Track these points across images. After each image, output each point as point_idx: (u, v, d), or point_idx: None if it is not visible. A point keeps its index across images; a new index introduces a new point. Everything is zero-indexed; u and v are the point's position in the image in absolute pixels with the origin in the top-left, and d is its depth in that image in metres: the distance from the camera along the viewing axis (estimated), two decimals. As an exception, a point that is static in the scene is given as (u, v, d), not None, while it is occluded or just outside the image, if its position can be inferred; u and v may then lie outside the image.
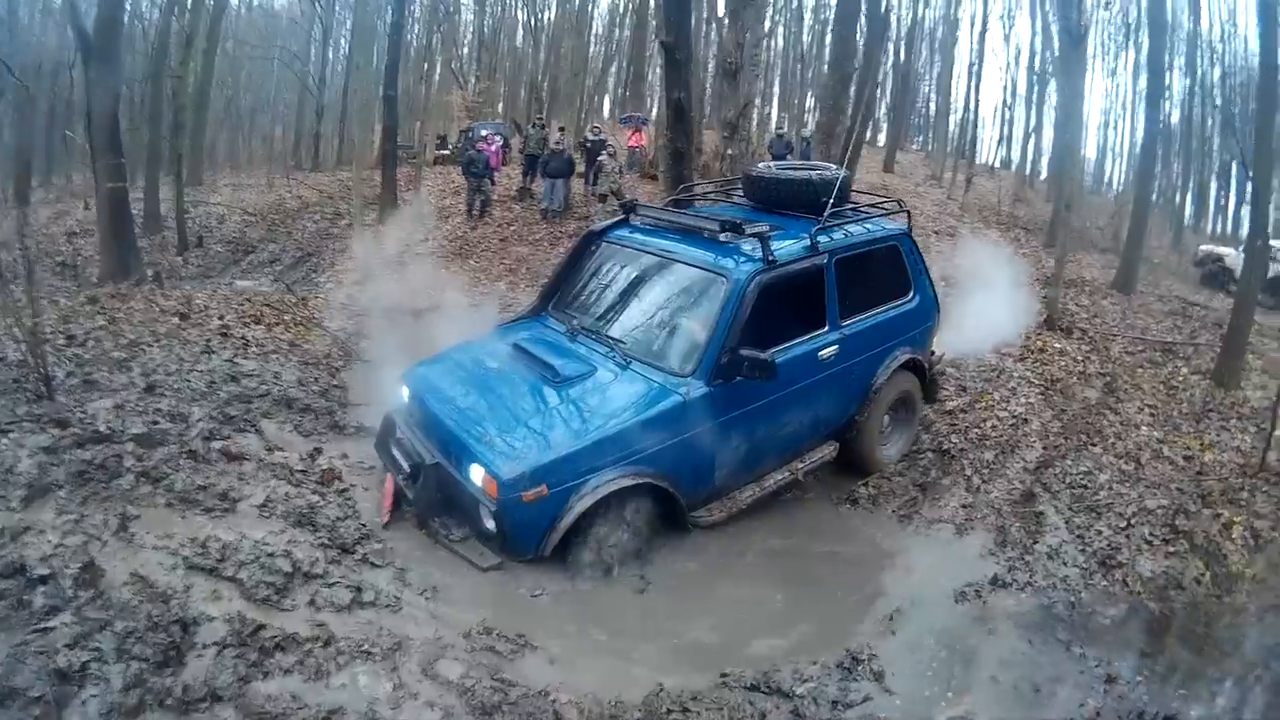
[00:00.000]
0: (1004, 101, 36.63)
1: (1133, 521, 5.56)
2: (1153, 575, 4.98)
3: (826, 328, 5.19)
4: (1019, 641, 4.22)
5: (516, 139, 20.73)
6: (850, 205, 5.87)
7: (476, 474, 4.17)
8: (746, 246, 4.87)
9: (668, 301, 4.96)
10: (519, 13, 35.00)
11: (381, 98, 16.51)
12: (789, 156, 17.49)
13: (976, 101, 35.69)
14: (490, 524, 4.15)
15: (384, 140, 16.43)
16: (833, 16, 15.44)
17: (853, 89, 13.16)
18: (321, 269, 14.72)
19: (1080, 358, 9.37)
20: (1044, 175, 32.11)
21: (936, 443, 6.60)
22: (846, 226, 5.49)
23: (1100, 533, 5.39)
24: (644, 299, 5.09)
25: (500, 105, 33.32)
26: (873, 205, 6.07)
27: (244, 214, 18.94)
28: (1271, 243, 17.69)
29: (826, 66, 18.14)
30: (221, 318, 7.86)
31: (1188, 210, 30.99)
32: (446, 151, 22.59)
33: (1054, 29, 23.09)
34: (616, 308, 5.18)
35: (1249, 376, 9.46)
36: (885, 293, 5.73)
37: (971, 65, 33.78)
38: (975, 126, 31.73)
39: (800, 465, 5.32)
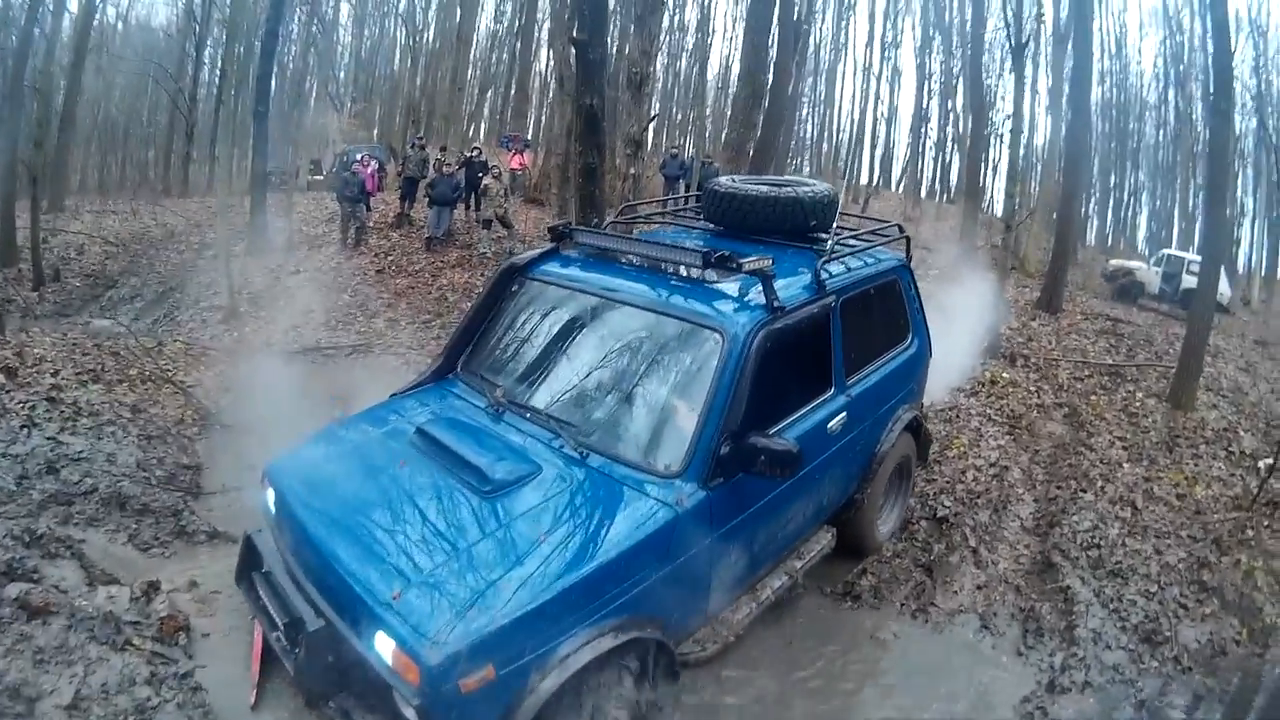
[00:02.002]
0: (884, 118, 37.04)
1: (1161, 583, 5.14)
2: (1198, 645, 4.62)
3: (832, 390, 4.06)
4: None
5: (393, 164, 19.35)
6: (845, 231, 4.74)
7: (385, 646, 2.72)
8: (736, 288, 3.65)
9: (633, 365, 3.58)
10: (398, 33, 33.49)
11: (252, 114, 14.72)
12: (682, 180, 16.65)
13: (863, 123, 35.97)
14: (412, 716, 2.72)
15: (254, 163, 14.65)
16: (744, 27, 14.46)
17: (765, 102, 12.30)
18: (184, 306, 13.02)
19: (1033, 388, 8.97)
20: (934, 194, 32.68)
21: (928, 508, 5.68)
22: (846, 259, 4.37)
23: (1134, 602, 4.92)
24: (596, 361, 3.70)
25: (375, 130, 31.65)
26: (871, 232, 4.96)
27: (106, 244, 16.94)
28: (1186, 256, 18.55)
29: (736, 79, 17.35)
30: (55, 373, 6.29)
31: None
32: (321, 176, 20.89)
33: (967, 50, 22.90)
34: (557, 372, 3.75)
35: (1198, 395, 9.20)
36: (886, 339, 4.70)
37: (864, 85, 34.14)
38: (861, 147, 32.01)
39: (798, 564, 4.14)
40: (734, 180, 4.85)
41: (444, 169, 14.47)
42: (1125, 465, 6.97)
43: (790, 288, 3.76)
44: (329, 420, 4.91)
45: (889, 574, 4.88)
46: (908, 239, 5.04)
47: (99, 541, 4.33)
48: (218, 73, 26.00)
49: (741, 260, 3.45)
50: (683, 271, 3.84)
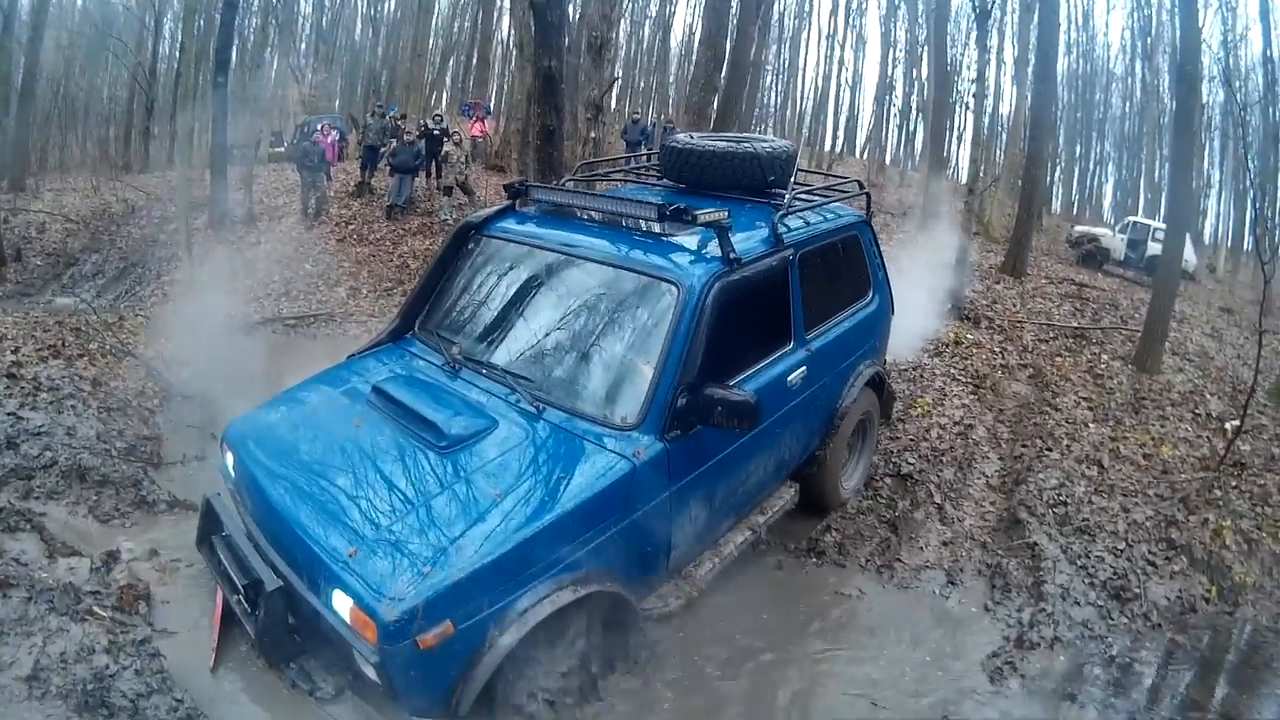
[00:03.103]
0: (848, 85, 37.04)
1: (1129, 540, 5.15)
2: (1168, 602, 4.66)
3: (791, 344, 3.99)
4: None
5: (354, 134, 19.05)
6: (803, 187, 4.64)
7: (342, 605, 2.69)
8: (693, 241, 3.57)
9: (589, 320, 3.50)
10: (359, 2, 32.88)
11: (212, 86, 14.34)
12: (643, 144, 16.52)
13: (826, 90, 35.91)
14: (372, 674, 2.70)
15: (214, 135, 14.31)
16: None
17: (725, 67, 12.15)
18: (146, 281, 12.88)
19: (997, 349, 8.92)
20: (898, 161, 32.69)
21: (892, 465, 5.66)
22: (804, 214, 4.30)
23: (1102, 559, 4.91)
24: (553, 316, 3.62)
25: (337, 101, 31.11)
26: (829, 188, 4.88)
27: (66, 222, 16.65)
28: (1151, 224, 18.72)
29: (698, 42, 17.16)
30: (16, 350, 6.14)
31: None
32: (282, 148, 20.50)
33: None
34: (513, 329, 3.68)
35: (1163, 359, 9.24)
36: (846, 295, 4.63)
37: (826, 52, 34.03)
38: (825, 113, 31.93)
39: (761, 519, 4.09)
40: (691, 137, 4.76)
41: (404, 136, 14.23)
42: (1091, 425, 6.98)
43: (747, 241, 3.69)
44: (287, 384, 4.86)
45: (853, 530, 4.85)
46: (868, 195, 4.97)
47: (59, 514, 4.25)
48: (178, 46, 25.45)
49: (697, 213, 3.37)
50: (640, 226, 3.77)
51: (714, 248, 3.49)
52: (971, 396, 7.34)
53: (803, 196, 4.39)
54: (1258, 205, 17.43)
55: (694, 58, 19.33)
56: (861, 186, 4.98)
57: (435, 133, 14.60)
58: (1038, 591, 4.53)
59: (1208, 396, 8.47)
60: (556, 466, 3.04)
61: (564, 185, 5.02)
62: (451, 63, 33.09)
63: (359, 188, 15.13)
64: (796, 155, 4.57)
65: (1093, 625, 4.36)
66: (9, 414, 4.96)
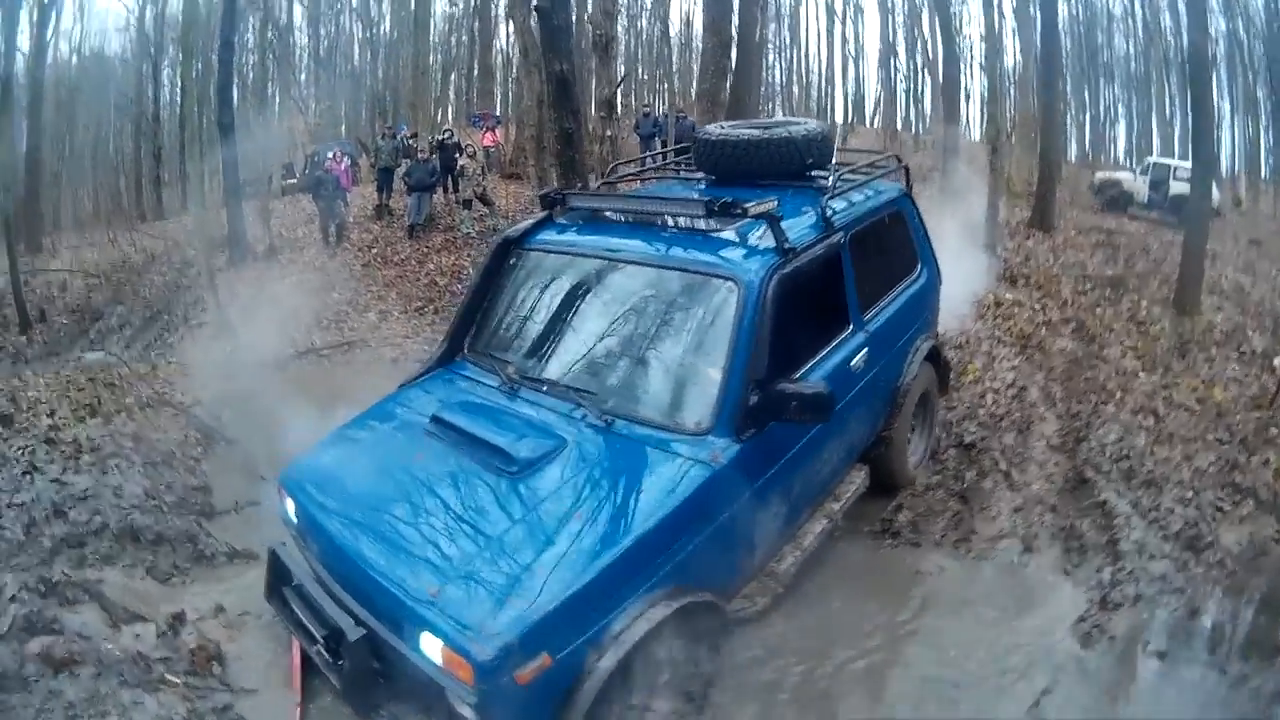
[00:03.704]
0: (851, 55, 36.73)
1: (1195, 489, 4.99)
2: (1240, 547, 4.46)
3: (851, 328, 3.94)
4: (1178, 682, 3.53)
5: (365, 159, 19.09)
6: (843, 167, 4.54)
7: (432, 647, 2.59)
8: (743, 234, 3.51)
9: (647, 326, 3.42)
10: (354, 28, 32.89)
11: (217, 126, 14.43)
12: (657, 137, 16.44)
13: (831, 63, 35.66)
14: (470, 715, 2.61)
15: (225, 175, 14.40)
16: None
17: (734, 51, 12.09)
18: (174, 327, 12.90)
19: (1037, 306, 8.90)
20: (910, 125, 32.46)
21: (953, 436, 5.60)
22: (848, 194, 4.23)
23: (1172, 510, 4.77)
24: (608, 325, 3.56)
25: (343, 127, 31.20)
26: (869, 165, 4.81)
27: (87, 277, 16.76)
28: (1171, 163, 18.46)
29: (701, 33, 17.06)
30: (52, 413, 6.06)
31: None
32: (293, 180, 20.57)
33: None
34: (569, 342, 3.63)
35: (1201, 299, 9.23)
36: (897, 271, 4.59)
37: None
38: (832, 86, 31.71)
39: (836, 507, 4.04)
40: (723, 127, 4.70)
41: (418, 154, 14.25)
42: (1141, 374, 6.91)
43: (797, 228, 3.62)
44: (331, 420, 4.79)
45: (924, 507, 4.78)
46: (906, 168, 4.92)
47: (116, 579, 4.09)
48: (178, 92, 25.68)
49: (746, 205, 3.32)
50: (685, 223, 3.71)
51: (766, 238, 3.42)
52: (1020, 357, 7.28)
53: (847, 177, 4.32)
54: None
55: (696, 45, 19.22)
56: (900, 160, 4.91)
57: (448, 145, 14.61)
58: (1114, 550, 4.43)
59: (1250, 333, 8.39)
60: (634, 480, 2.98)
61: (598, 189, 4.98)
62: (454, 76, 33.14)
63: (377, 210, 15.16)
64: (832, 136, 4.52)
65: (1171, 578, 4.25)
66: (52, 480, 4.84)
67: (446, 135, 15.44)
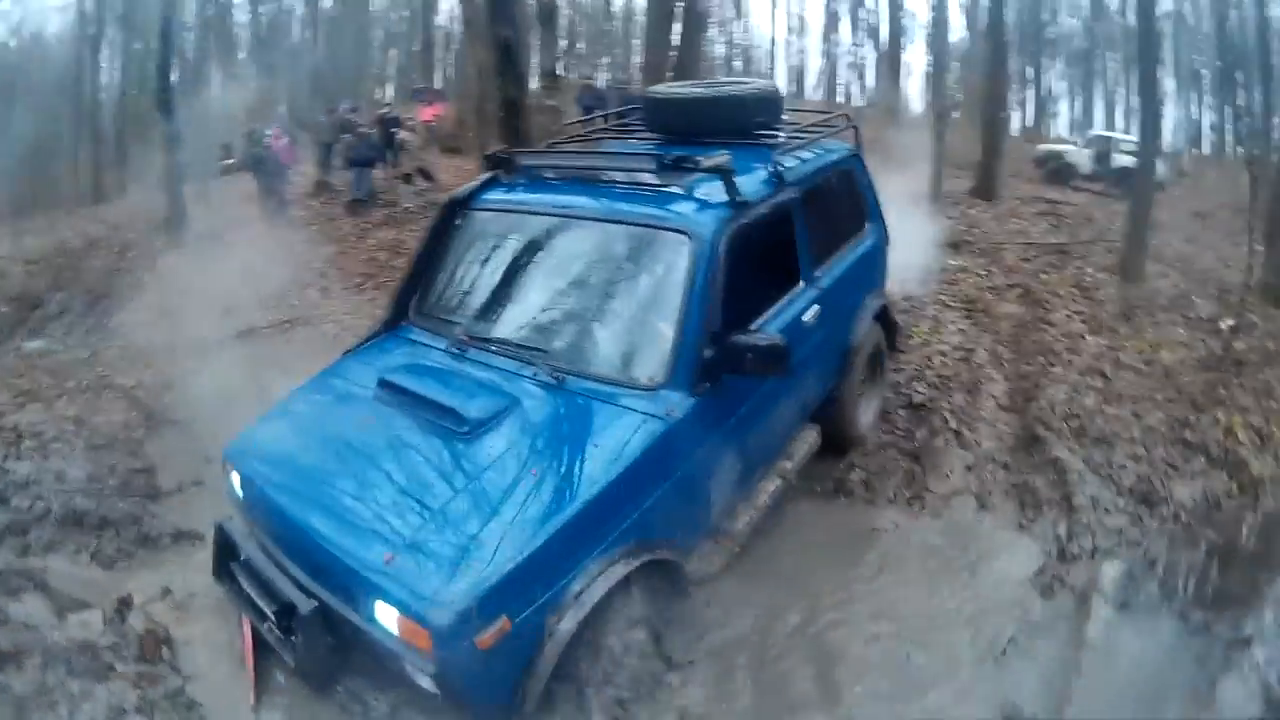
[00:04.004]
0: (794, 30, 37.00)
1: (1146, 445, 5.16)
2: (1194, 501, 4.66)
3: (801, 284, 3.89)
4: (1140, 630, 3.62)
5: (304, 135, 18.66)
6: (792, 126, 4.53)
7: (387, 616, 2.51)
8: (695, 189, 3.43)
9: (599, 281, 3.38)
10: (295, 4, 32.13)
11: (157, 107, 13.96)
12: (598, 110, 16.33)
13: (773, 37, 35.80)
14: (428, 685, 2.55)
15: (166, 156, 13.96)
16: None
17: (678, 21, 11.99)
18: (115, 311, 12.42)
19: (982, 272, 8.94)
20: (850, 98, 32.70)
21: (902, 396, 5.65)
22: (799, 152, 4.17)
23: (1124, 467, 4.93)
24: (559, 283, 3.48)
25: (283, 107, 30.54)
26: (819, 125, 4.74)
27: (26, 264, 15.96)
28: (1114, 135, 18.83)
29: (644, 6, 16.92)
30: None
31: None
32: (232, 159, 20.03)
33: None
34: (519, 301, 3.54)
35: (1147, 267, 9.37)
36: (847, 229, 4.55)
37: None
38: (773, 59, 31.91)
39: (789, 465, 4.00)
40: (671, 88, 4.63)
41: (358, 129, 13.97)
42: (1088, 337, 7.02)
43: (750, 184, 3.55)
44: (274, 397, 4.66)
45: (876, 466, 4.80)
46: (855, 128, 4.89)
47: (61, 566, 3.99)
48: (116, 73, 24.95)
49: (699, 159, 3.25)
50: (635, 180, 3.62)
51: (719, 193, 3.36)
52: (966, 321, 7.34)
53: (797, 134, 4.29)
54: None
55: (639, 19, 19.08)
56: (849, 119, 4.88)
57: (388, 119, 14.36)
58: (1068, 505, 4.51)
59: (1195, 300, 8.55)
60: (588, 436, 2.91)
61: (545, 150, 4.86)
62: (395, 52, 32.60)
63: (317, 187, 14.85)
64: (782, 96, 4.47)
65: (1126, 532, 4.36)
66: (-7, 470, 4.71)
67: (386, 110, 15.17)
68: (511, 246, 3.72)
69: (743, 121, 4.25)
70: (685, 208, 3.33)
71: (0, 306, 14.35)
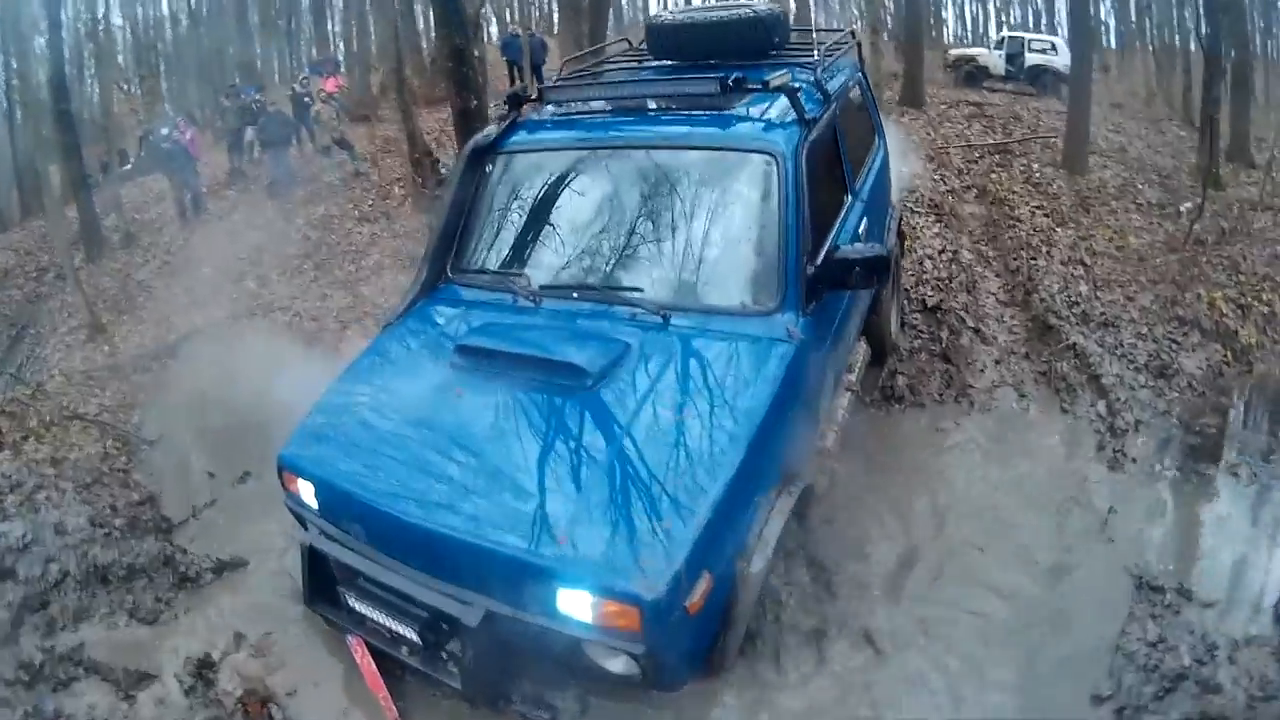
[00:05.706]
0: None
1: (1147, 324, 5.49)
2: (1200, 371, 5.09)
3: (849, 196, 3.89)
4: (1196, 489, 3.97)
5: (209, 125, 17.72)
6: (816, 45, 4.32)
7: (576, 603, 2.26)
8: (759, 109, 3.35)
9: (677, 212, 3.17)
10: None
11: (53, 117, 12.96)
12: (520, 59, 15.95)
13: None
14: (624, 668, 2.31)
15: (68, 167, 13.04)
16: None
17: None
18: (44, 339, 11.66)
19: (936, 176, 9.12)
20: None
21: (914, 301, 5.79)
22: (831, 68, 4.14)
23: (1135, 345, 5.23)
24: (632, 218, 3.28)
25: (174, 102, 28.63)
26: (835, 44, 4.58)
27: None
28: (1026, 35, 19.22)
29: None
30: None
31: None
32: (129, 165, 18.82)
33: None
34: (589, 242, 3.29)
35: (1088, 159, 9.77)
36: (867, 141, 4.59)
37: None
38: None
39: (851, 377, 3.96)
40: (679, 12, 4.53)
41: (268, 108, 13.33)
42: (1057, 230, 7.30)
43: (807, 102, 3.47)
44: (247, 395, 4.37)
45: (915, 370, 4.92)
46: (859, 44, 4.92)
47: (98, 635, 3.37)
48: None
49: (766, 80, 3.18)
50: (688, 104, 3.52)
51: (785, 111, 3.30)
52: (938, 224, 7.51)
53: (825, 53, 4.20)
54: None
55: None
56: (854, 35, 4.89)
57: (298, 94, 13.77)
58: (1098, 386, 4.73)
59: (1140, 186, 8.94)
60: (724, 370, 2.80)
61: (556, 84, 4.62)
62: (284, 22, 30.95)
63: (232, 175, 14.17)
64: (785, 15, 4.43)
65: (1154, 404, 4.61)
66: (-19, 536, 3.83)
67: (301, 85, 14.57)
68: (564, 186, 3.52)
69: (760, 42, 4.16)
70: (759, 129, 3.26)
71: (-91, 357, 13.27)
